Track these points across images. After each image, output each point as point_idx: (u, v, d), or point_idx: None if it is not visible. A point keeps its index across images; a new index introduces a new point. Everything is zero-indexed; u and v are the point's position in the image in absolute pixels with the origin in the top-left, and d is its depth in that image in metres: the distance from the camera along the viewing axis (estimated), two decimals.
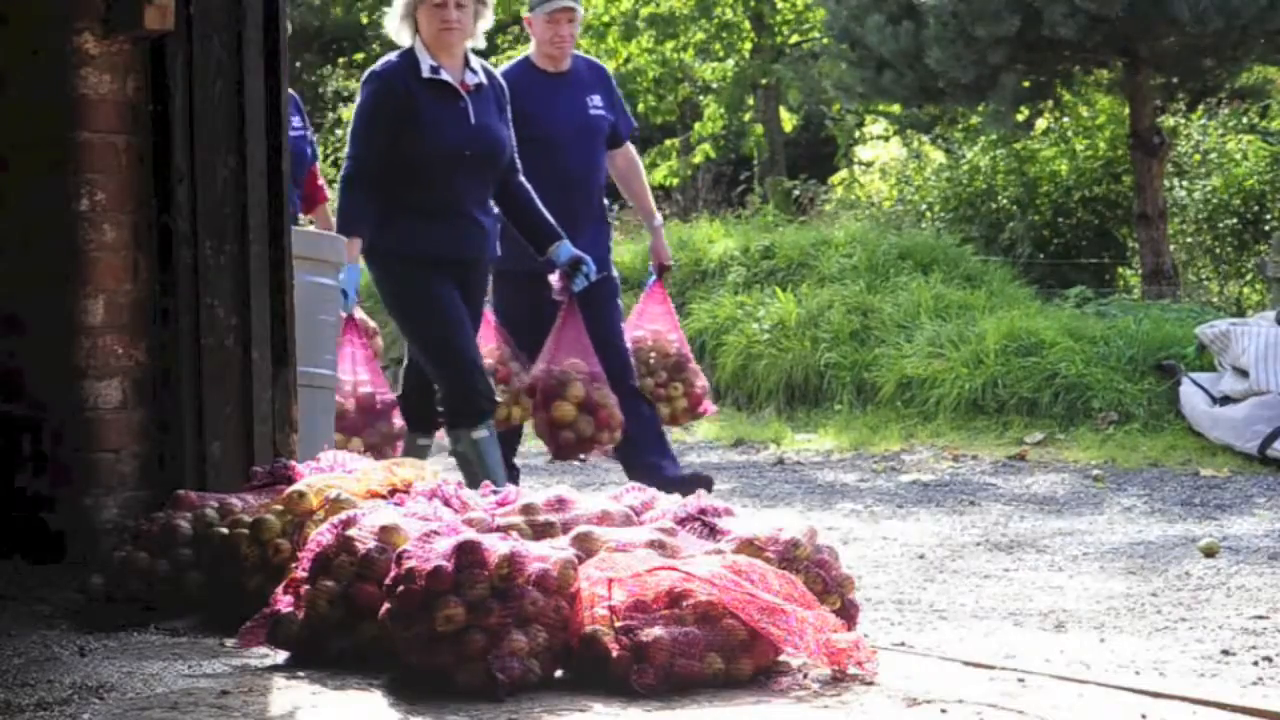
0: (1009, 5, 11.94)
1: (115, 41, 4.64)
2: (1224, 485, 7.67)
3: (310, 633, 3.54)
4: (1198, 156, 14.26)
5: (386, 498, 4.00)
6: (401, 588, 3.31)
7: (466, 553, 3.30)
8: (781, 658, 3.37)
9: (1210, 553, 5.84)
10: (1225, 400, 8.73)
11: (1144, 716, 3.08)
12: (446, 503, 3.84)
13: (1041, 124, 15.00)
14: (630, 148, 7.07)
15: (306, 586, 3.57)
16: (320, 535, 3.65)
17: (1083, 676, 3.49)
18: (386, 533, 3.57)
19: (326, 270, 5.45)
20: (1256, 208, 13.56)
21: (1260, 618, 4.79)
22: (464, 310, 5.85)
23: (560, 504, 3.83)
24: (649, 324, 7.02)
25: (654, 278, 7.06)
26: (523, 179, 6.01)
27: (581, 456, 6.51)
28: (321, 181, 7.44)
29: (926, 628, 4.72)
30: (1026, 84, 13.10)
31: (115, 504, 4.62)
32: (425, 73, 5.76)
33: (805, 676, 3.33)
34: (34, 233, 4.71)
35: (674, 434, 8.17)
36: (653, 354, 6.87)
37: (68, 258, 4.61)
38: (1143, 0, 11.63)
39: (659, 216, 7.17)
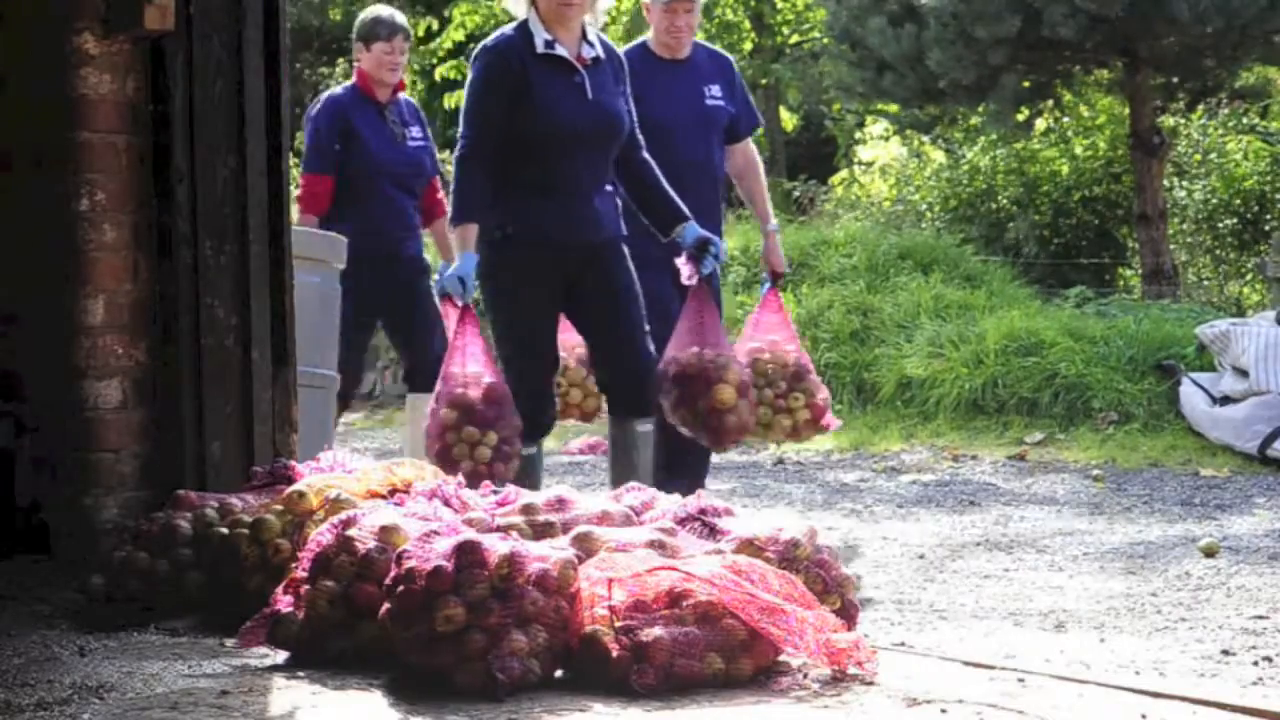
0: (1009, 6, 11.95)
1: (115, 41, 4.64)
2: (1224, 485, 7.67)
3: (310, 633, 3.54)
4: (1198, 156, 14.25)
5: (386, 498, 4.00)
6: (401, 588, 3.31)
7: (466, 553, 3.30)
8: (781, 658, 3.37)
9: (1210, 553, 5.83)
10: (1225, 400, 8.73)
11: (1144, 716, 3.08)
12: (446, 503, 3.84)
13: (1041, 124, 15.01)
14: (751, 145, 6.70)
15: (306, 586, 3.57)
16: (320, 535, 3.65)
17: (1083, 676, 3.49)
18: (386, 533, 3.57)
19: (326, 270, 5.45)
20: (1256, 208, 13.55)
21: (1260, 618, 4.79)
22: (555, 319, 5.59)
23: (560, 504, 3.83)
24: (765, 334, 6.51)
25: (768, 285, 6.63)
26: (646, 156, 5.72)
27: (737, 442, 6.09)
28: (441, 195, 7.14)
29: (926, 628, 4.72)
30: (1027, 84, 13.11)
31: (115, 504, 4.62)
32: (540, 47, 5.49)
33: (805, 676, 3.33)
34: (34, 233, 4.71)
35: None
36: (770, 365, 6.40)
37: (68, 258, 4.62)
38: (1143, 0, 11.63)
39: (775, 221, 6.74)
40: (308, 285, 5.17)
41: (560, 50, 5.50)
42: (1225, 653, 4.34)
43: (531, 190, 5.46)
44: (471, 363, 5.55)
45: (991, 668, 3.55)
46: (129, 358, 4.67)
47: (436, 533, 3.43)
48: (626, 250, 5.65)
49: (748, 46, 19.52)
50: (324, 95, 7.05)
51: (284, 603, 3.60)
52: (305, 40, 22.03)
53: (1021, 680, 3.38)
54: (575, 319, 5.70)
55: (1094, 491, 7.56)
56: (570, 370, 6.47)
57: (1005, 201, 14.62)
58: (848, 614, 3.64)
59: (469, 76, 5.60)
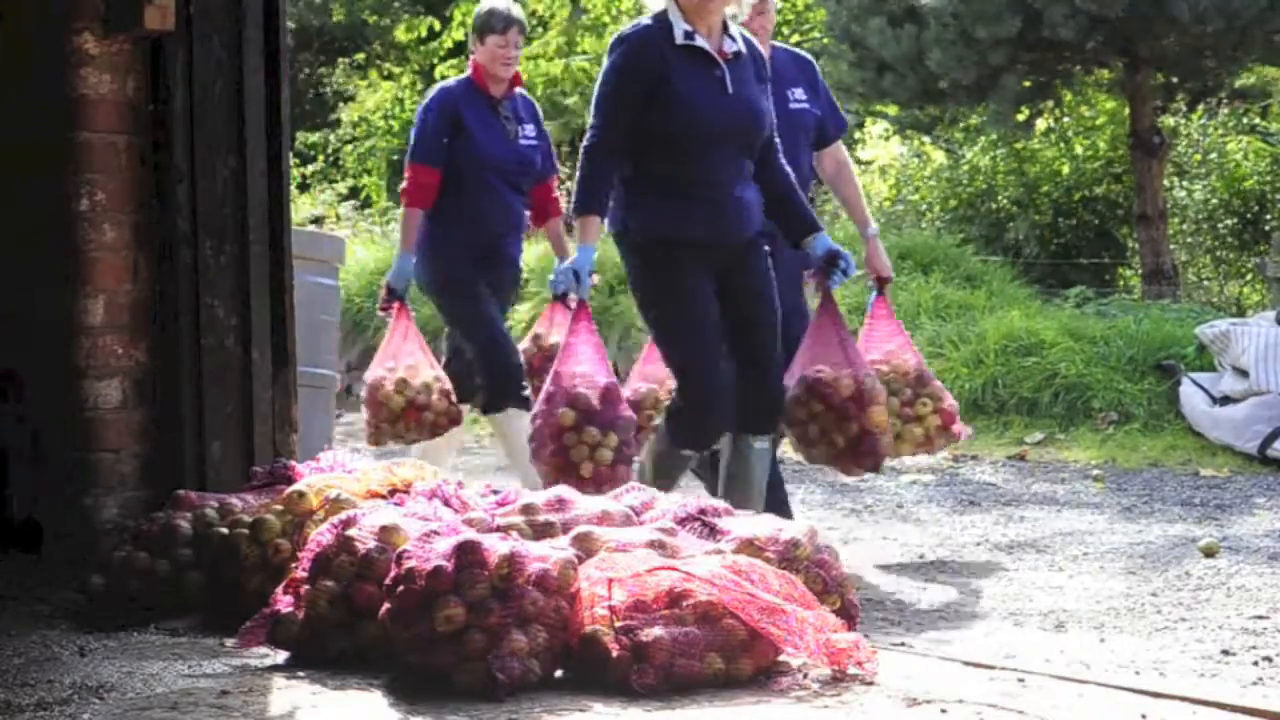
0: (1010, 6, 11.94)
1: (115, 41, 4.64)
2: (1224, 485, 7.67)
3: (310, 633, 3.54)
4: (1198, 156, 14.26)
5: (386, 498, 4.00)
6: (401, 588, 3.31)
7: (466, 553, 3.30)
8: (781, 658, 3.37)
9: (1210, 553, 5.83)
10: (1225, 400, 8.72)
11: (1144, 716, 3.08)
12: (446, 503, 3.84)
13: (1042, 124, 15.00)
14: (842, 149, 6.39)
15: (306, 586, 3.57)
16: (320, 535, 3.65)
17: (1083, 676, 3.49)
18: (386, 533, 3.57)
19: (326, 270, 5.45)
20: (1256, 208, 13.56)
21: (1260, 618, 4.79)
22: (716, 316, 5.26)
23: (560, 504, 3.83)
24: (880, 345, 6.12)
25: (875, 294, 6.23)
26: (783, 161, 5.44)
27: (876, 467, 5.77)
28: (557, 194, 6.99)
29: (926, 627, 4.72)
30: (1027, 84, 13.10)
31: (115, 504, 4.62)
32: (679, 39, 5.21)
33: (805, 676, 3.33)
34: (34, 232, 4.71)
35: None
36: (891, 375, 6.05)
37: (68, 258, 4.62)
38: (1143, 0, 11.63)
39: (874, 225, 6.37)
40: (308, 285, 5.17)
41: (700, 42, 5.24)
42: (1225, 653, 4.34)
43: (670, 191, 5.23)
44: (584, 362, 5.34)
45: (991, 668, 3.55)
46: (129, 358, 4.67)
47: (436, 533, 3.43)
48: (765, 258, 5.37)
49: None
50: (437, 86, 6.86)
51: (284, 603, 3.60)
52: (305, 40, 22.03)
53: (1021, 680, 3.38)
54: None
55: (1094, 491, 7.55)
56: (662, 400, 6.06)
57: (1005, 201, 14.62)
58: (848, 614, 3.64)
59: (604, 65, 5.34)
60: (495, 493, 4.04)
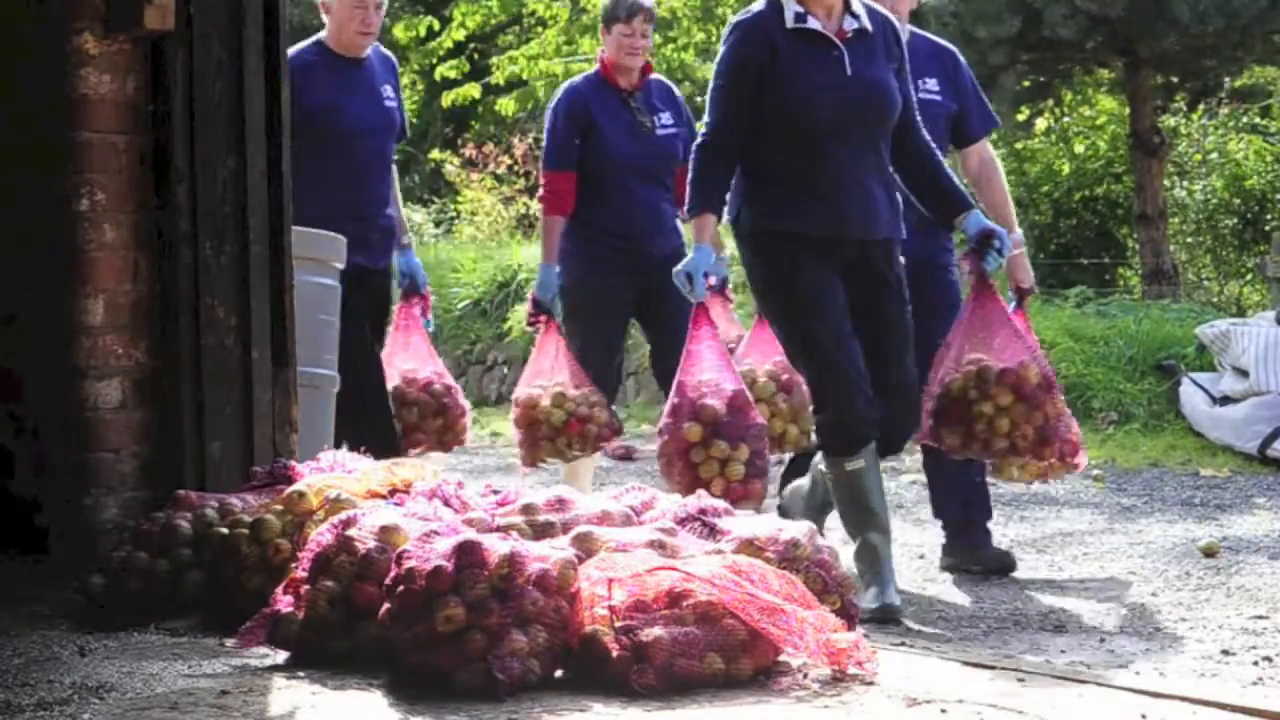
0: (1010, 6, 11.95)
1: (115, 41, 4.64)
2: (1224, 485, 7.67)
3: (310, 633, 3.54)
4: (1198, 156, 14.26)
5: (386, 498, 4.00)
6: (401, 588, 3.31)
7: (466, 553, 3.30)
8: (781, 658, 3.37)
9: (1210, 553, 5.84)
10: (1225, 400, 8.73)
11: (1144, 716, 3.08)
12: (446, 503, 3.84)
13: (1042, 124, 15.00)
14: (987, 147, 5.92)
15: (306, 586, 3.57)
16: (320, 535, 3.65)
17: (1083, 676, 3.49)
18: (386, 533, 3.57)
19: (326, 270, 5.45)
20: (1257, 208, 13.56)
21: (1260, 618, 4.79)
22: (843, 304, 4.90)
23: (560, 504, 3.83)
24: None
25: (1014, 304, 5.66)
26: (925, 138, 5.07)
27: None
28: None
29: (927, 627, 4.72)
30: (1027, 84, 13.11)
31: (115, 504, 4.62)
32: (790, 21, 4.90)
33: (805, 676, 3.33)
34: (34, 233, 4.71)
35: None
36: None
37: (68, 258, 4.62)
38: (1143, 0, 11.63)
39: (1019, 232, 5.80)
40: (308, 285, 5.17)
41: (814, 24, 4.91)
42: (1225, 653, 4.35)
43: (789, 184, 4.90)
44: (708, 369, 5.04)
45: (991, 668, 3.55)
46: (129, 358, 4.67)
47: (436, 533, 3.43)
48: (896, 257, 5.00)
49: None
50: (564, 85, 6.50)
51: (284, 603, 3.60)
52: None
53: (1021, 680, 3.38)
54: None
55: (1094, 491, 7.55)
56: (758, 385, 5.79)
57: None
58: (848, 614, 3.64)
59: (718, 56, 5.06)
60: (495, 493, 4.03)
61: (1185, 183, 14.15)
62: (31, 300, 4.72)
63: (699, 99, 20.02)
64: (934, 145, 5.10)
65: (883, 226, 4.94)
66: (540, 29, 19.27)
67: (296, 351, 4.81)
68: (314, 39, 6.09)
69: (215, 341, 4.65)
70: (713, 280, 5.01)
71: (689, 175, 5.00)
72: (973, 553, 5.66)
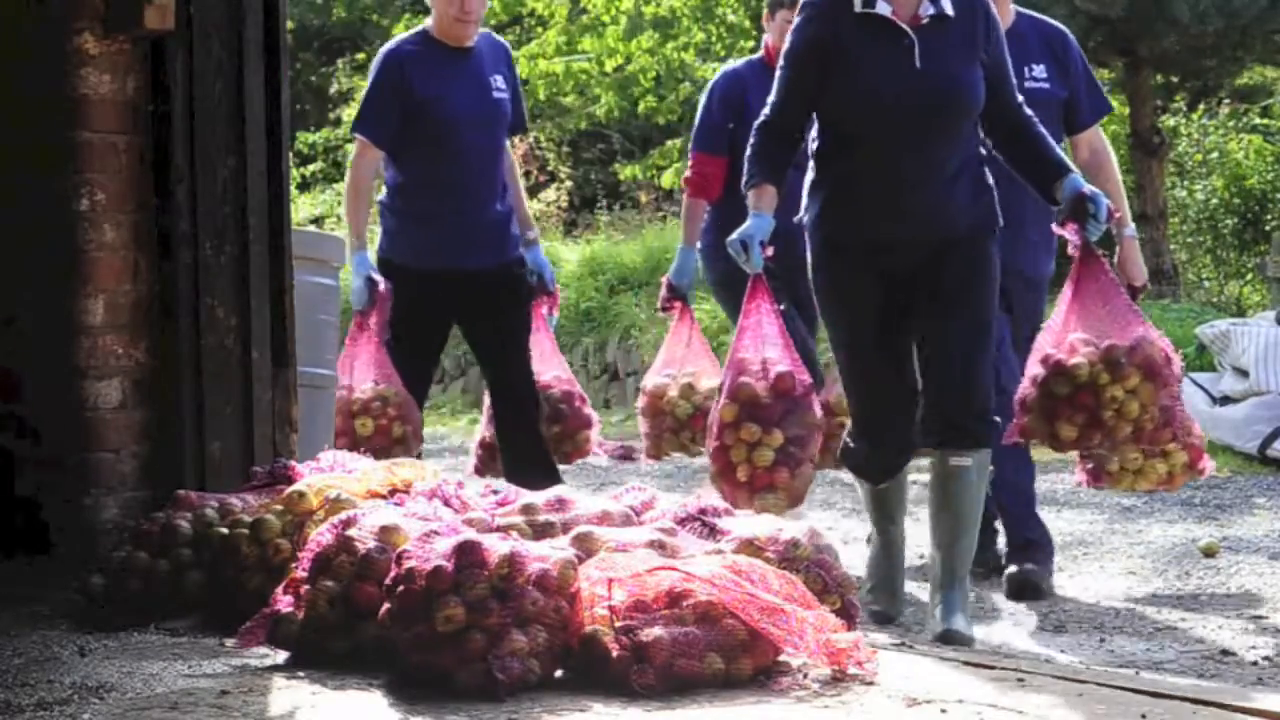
0: None
1: (115, 41, 4.64)
2: (1224, 485, 7.67)
3: (310, 633, 3.54)
4: (1198, 156, 14.26)
5: (386, 498, 4.00)
6: (401, 588, 3.31)
7: (466, 553, 3.30)
8: (781, 658, 3.37)
9: (1210, 553, 5.84)
10: (1225, 400, 8.73)
11: (1144, 716, 3.08)
12: (446, 503, 3.85)
13: None
14: (1099, 135, 5.60)
15: (306, 586, 3.57)
16: (320, 535, 3.65)
17: (1083, 676, 3.49)
18: (386, 533, 3.57)
19: (326, 270, 5.45)
20: (1257, 208, 13.55)
21: (1260, 618, 4.79)
22: (878, 320, 4.63)
23: (560, 504, 3.83)
24: (1131, 336, 4.86)
25: None
26: (1021, 110, 4.67)
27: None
28: None
29: (926, 627, 4.72)
30: None
31: (115, 504, 4.62)
32: (857, 6, 4.56)
33: (805, 676, 3.33)
34: (34, 233, 4.71)
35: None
36: None
37: (68, 258, 4.62)
38: (1143, 0, 11.63)
39: (1132, 226, 5.57)
40: (308, 285, 5.17)
41: (882, 9, 4.56)
42: (1225, 653, 4.35)
43: (847, 180, 4.63)
44: (762, 345, 4.79)
45: (991, 668, 3.55)
46: (129, 358, 4.67)
47: (436, 533, 3.43)
48: (983, 253, 4.64)
49: (749, 46, 19.54)
50: (721, 69, 6.32)
51: (284, 603, 3.60)
52: (305, 40, 22.04)
53: (1021, 680, 3.38)
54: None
55: (1094, 492, 7.55)
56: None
57: None
58: (848, 614, 3.64)
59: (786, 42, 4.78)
60: (495, 493, 4.04)
61: (1185, 183, 14.15)
62: (32, 300, 4.72)
63: (699, 99, 20.08)
64: (1033, 117, 4.72)
65: (940, 226, 4.60)
66: (540, 29, 19.28)
67: (296, 351, 4.82)
68: (418, 29, 5.90)
69: (215, 341, 4.65)
70: (769, 250, 4.67)
71: (747, 153, 4.77)
72: (977, 553, 5.65)
